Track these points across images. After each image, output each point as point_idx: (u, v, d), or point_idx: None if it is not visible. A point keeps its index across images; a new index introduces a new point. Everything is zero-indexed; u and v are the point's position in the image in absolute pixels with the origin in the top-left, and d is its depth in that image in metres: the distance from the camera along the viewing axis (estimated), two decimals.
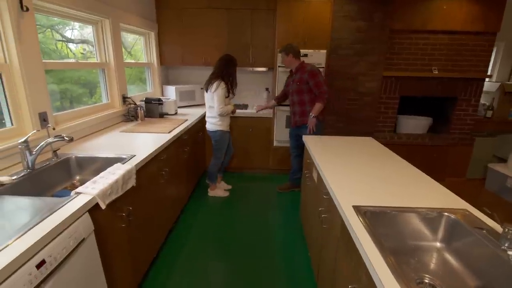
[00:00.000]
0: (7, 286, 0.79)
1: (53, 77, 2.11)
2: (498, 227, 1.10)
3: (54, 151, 1.68)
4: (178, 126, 2.63)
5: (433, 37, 3.42)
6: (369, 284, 0.92)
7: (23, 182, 1.41)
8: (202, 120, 3.25)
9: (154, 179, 1.96)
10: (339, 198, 1.29)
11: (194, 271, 2.04)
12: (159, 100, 3.01)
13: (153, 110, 2.99)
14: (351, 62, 3.40)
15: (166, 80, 4.03)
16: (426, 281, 1.08)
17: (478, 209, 1.24)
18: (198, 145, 3.24)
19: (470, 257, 1.11)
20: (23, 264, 0.86)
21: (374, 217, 1.20)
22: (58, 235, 1.01)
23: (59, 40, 2.28)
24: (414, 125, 3.74)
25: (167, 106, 3.12)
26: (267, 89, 3.91)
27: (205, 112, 3.03)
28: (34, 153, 1.48)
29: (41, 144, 1.50)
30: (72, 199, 1.18)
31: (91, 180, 1.34)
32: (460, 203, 1.29)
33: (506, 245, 0.97)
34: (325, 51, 3.19)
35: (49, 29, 2.15)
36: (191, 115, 3.19)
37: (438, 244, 1.24)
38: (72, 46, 2.41)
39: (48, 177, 1.57)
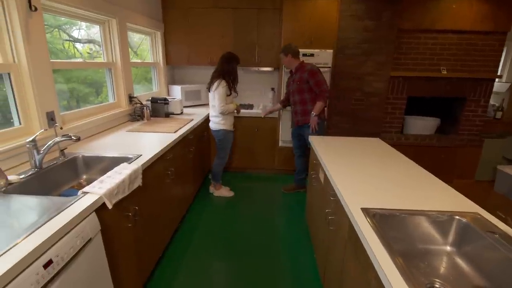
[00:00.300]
0: (14, 286, 0.79)
1: (60, 76, 2.12)
2: (511, 231, 1.07)
3: (61, 150, 1.69)
4: (184, 125, 2.63)
5: (442, 37, 3.37)
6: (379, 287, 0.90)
7: (30, 181, 1.42)
8: (207, 120, 3.24)
9: (160, 178, 1.96)
10: (347, 200, 1.27)
11: (199, 271, 2.03)
12: (165, 99, 3.01)
13: (159, 109, 2.99)
14: (358, 62, 3.36)
15: (172, 80, 4.04)
16: (437, 286, 1.06)
17: (489, 213, 1.21)
18: (203, 145, 3.24)
19: (482, 262, 1.08)
20: (30, 264, 0.86)
21: (383, 220, 1.18)
22: (65, 234, 1.01)
23: (66, 40, 2.30)
24: (422, 126, 3.69)
25: (173, 106, 3.12)
26: (272, 89, 3.90)
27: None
28: (41, 152, 1.49)
29: (48, 144, 1.51)
30: (79, 199, 1.18)
31: (98, 180, 1.34)
32: (471, 206, 1.26)
33: None
34: (331, 50, 3.16)
35: (56, 29, 2.16)
36: (197, 115, 3.19)
37: (448, 248, 1.22)
38: (79, 46, 2.43)
39: (55, 176, 1.58)
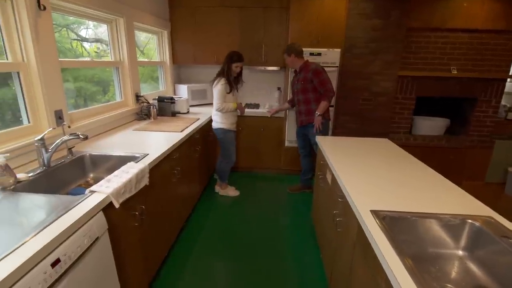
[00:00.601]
0: (22, 285, 0.79)
1: (68, 75, 2.14)
2: None
3: (69, 149, 1.70)
4: (190, 125, 2.63)
5: (453, 36, 3.31)
6: None
7: (39, 179, 1.43)
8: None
9: (167, 178, 1.96)
10: (356, 202, 1.25)
11: (204, 271, 2.03)
12: (172, 98, 3.01)
13: (165, 108, 3.00)
14: (366, 61, 3.32)
15: (178, 79, 4.05)
16: None
17: (502, 216, 1.18)
18: (209, 144, 3.24)
19: (495, 267, 1.05)
20: (38, 263, 0.86)
21: (393, 223, 1.16)
22: (73, 233, 1.01)
23: (74, 39, 2.31)
24: (431, 126, 3.63)
25: (179, 105, 3.12)
26: (279, 88, 3.87)
27: None
28: (50, 150, 1.49)
29: (56, 142, 1.51)
30: (86, 198, 1.18)
31: (105, 179, 1.35)
32: (484, 210, 1.23)
33: None
34: (339, 50, 3.13)
35: (64, 28, 2.18)
36: (203, 114, 3.18)
37: (460, 252, 1.19)
38: (86, 45, 2.44)
39: (63, 175, 1.59)
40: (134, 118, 2.78)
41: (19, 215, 1.06)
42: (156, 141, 2.07)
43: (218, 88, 2.65)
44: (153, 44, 3.51)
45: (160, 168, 1.82)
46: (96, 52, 2.53)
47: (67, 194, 1.56)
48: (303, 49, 2.81)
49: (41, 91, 1.64)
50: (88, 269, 1.10)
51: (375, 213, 1.16)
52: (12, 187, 1.26)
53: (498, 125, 3.60)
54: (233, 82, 2.73)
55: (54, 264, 0.90)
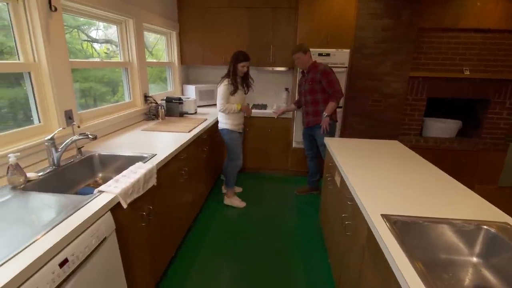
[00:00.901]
0: (30, 285, 0.79)
1: (78, 75, 2.16)
2: None
3: (79, 149, 1.72)
4: (198, 125, 2.63)
5: (465, 36, 3.24)
6: None
7: (48, 178, 1.44)
8: None
9: (174, 178, 1.96)
10: (366, 206, 1.22)
11: (211, 271, 2.02)
12: (180, 99, 3.02)
13: (173, 109, 3.01)
14: (376, 61, 3.28)
15: (186, 80, 4.06)
16: None
17: None
18: (216, 145, 3.24)
19: (511, 275, 1.01)
20: (47, 262, 0.86)
21: (404, 228, 1.13)
22: (81, 233, 1.01)
23: (85, 40, 2.34)
24: (442, 128, 3.56)
25: (187, 105, 3.13)
26: (286, 89, 3.85)
27: None
28: (59, 150, 1.51)
29: (66, 142, 1.53)
30: (95, 197, 1.18)
31: (114, 179, 1.35)
32: (499, 215, 1.19)
33: None
34: (348, 50, 3.09)
35: (75, 30, 2.20)
36: (211, 115, 3.18)
37: (474, 259, 1.15)
38: (96, 46, 2.46)
39: (72, 174, 1.60)
40: (143, 119, 2.80)
41: (28, 214, 1.06)
42: (164, 142, 2.07)
43: (220, 89, 2.62)
44: (161, 45, 3.53)
45: (168, 169, 1.82)
46: (106, 53, 2.56)
47: (76, 193, 1.57)
48: (312, 49, 2.79)
49: (51, 91, 1.66)
50: (96, 269, 1.10)
51: (386, 217, 1.13)
52: (22, 186, 1.28)
53: None
54: (240, 82, 2.67)
55: (62, 264, 0.91)
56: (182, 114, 3.07)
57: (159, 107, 2.82)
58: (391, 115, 3.43)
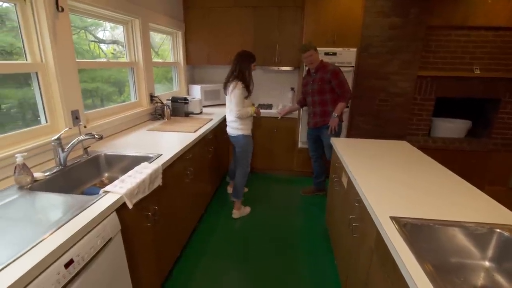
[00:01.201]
0: (36, 286, 0.79)
1: (85, 76, 2.17)
2: None
3: (85, 149, 1.72)
4: (203, 125, 2.62)
5: (475, 34, 3.17)
6: None
7: (55, 178, 1.44)
8: (226, 120, 3.23)
9: (179, 178, 1.96)
10: (374, 207, 1.19)
11: (216, 272, 2.01)
12: (185, 99, 3.02)
13: (179, 109, 3.01)
14: (383, 60, 3.23)
15: (192, 79, 4.07)
16: None
17: None
18: (222, 145, 3.23)
19: None
20: (52, 263, 0.86)
21: (414, 230, 1.10)
22: (87, 234, 1.01)
23: (92, 41, 2.35)
24: (451, 128, 3.49)
25: (193, 105, 3.13)
26: (292, 88, 3.83)
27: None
28: (66, 150, 1.51)
29: (72, 142, 1.53)
30: (100, 198, 1.18)
31: (119, 179, 1.35)
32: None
33: None
34: (355, 49, 3.05)
35: (83, 30, 2.22)
36: (216, 115, 3.18)
37: (486, 263, 1.12)
38: (103, 46, 2.48)
39: (78, 174, 1.61)
40: (148, 118, 2.81)
41: (34, 214, 1.07)
42: (169, 142, 2.07)
43: (236, 94, 2.41)
44: (167, 45, 3.54)
45: (173, 169, 1.81)
46: (112, 53, 2.57)
47: (82, 193, 1.58)
48: (319, 48, 2.76)
49: (58, 91, 1.67)
50: (101, 270, 1.10)
51: (395, 219, 1.10)
52: (29, 186, 1.28)
53: None
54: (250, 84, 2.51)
55: (67, 265, 0.90)
56: (187, 114, 3.07)
57: (165, 107, 2.82)
58: (398, 114, 3.37)
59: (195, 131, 2.38)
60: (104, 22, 2.36)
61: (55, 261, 0.87)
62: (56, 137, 1.48)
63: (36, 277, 0.80)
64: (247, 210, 2.82)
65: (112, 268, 1.17)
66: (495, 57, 3.23)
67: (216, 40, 3.57)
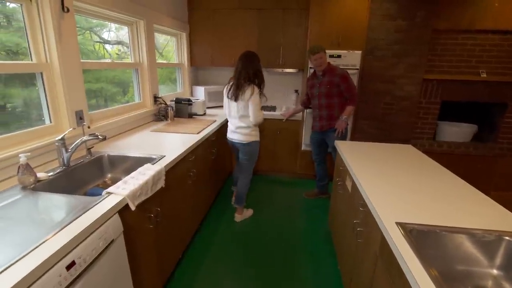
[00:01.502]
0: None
1: (90, 76, 2.18)
2: None
3: (88, 149, 1.72)
4: (207, 127, 2.61)
5: (482, 37, 3.14)
6: None
7: (58, 178, 1.44)
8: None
9: (182, 180, 1.95)
10: (379, 213, 1.17)
11: (218, 274, 1.99)
12: (189, 100, 3.02)
13: (182, 110, 3.01)
14: (388, 64, 3.21)
15: (196, 81, 4.07)
16: None
17: None
18: (225, 147, 3.22)
19: None
20: (54, 265, 0.85)
21: (420, 237, 1.08)
22: (89, 236, 1.00)
23: (97, 42, 2.36)
24: (456, 132, 3.45)
25: (196, 107, 3.13)
26: (296, 91, 3.81)
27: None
28: (69, 150, 1.51)
29: (76, 142, 1.53)
30: (103, 199, 1.18)
31: (122, 180, 1.34)
32: None
33: None
34: (360, 52, 3.03)
35: (88, 31, 2.23)
36: (219, 116, 3.17)
37: (494, 272, 1.09)
38: (108, 47, 2.48)
39: (81, 174, 1.61)
40: (152, 119, 2.81)
41: (37, 214, 1.06)
42: (172, 143, 2.06)
43: (256, 99, 2.29)
44: (171, 46, 3.55)
45: (176, 170, 1.81)
46: (117, 54, 2.57)
47: (85, 194, 1.57)
48: None
49: (63, 91, 1.67)
50: (102, 272, 1.09)
51: (401, 225, 1.08)
52: (32, 186, 1.28)
53: None
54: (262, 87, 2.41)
55: (69, 267, 0.89)
56: (191, 115, 3.07)
57: (169, 108, 2.82)
58: (404, 118, 3.35)
59: (198, 133, 2.38)
60: (109, 23, 2.37)
61: (56, 263, 0.86)
62: (60, 137, 1.48)
63: (38, 279, 0.79)
64: (249, 212, 2.80)
65: (113, 270, 1.16)
66: (502, 61, 3.19)
67: (220, 41, 3.57)
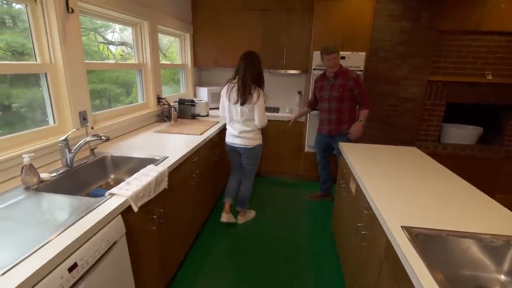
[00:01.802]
0: None
1: (94, 77, 2.18)
2: None
3: (91, 150, 1.72)
4: (210, 128, 2.61)
5: (488, 39, 3.11)
6: None
7: (61, 179, 1.44)
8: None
9: (185, 181, 1.94)
10: (385, 216, 1.16)
11: (221, 276, 1.98)
12: (192, 101, 3.02)
13: (185, 111, 3.01)
14: (393, 65, 3.19)
15: (199, 82, 4.07)
16: None
17: None
18: None
19: None
20: (56, 267, 0.84)
21: (427, 241, 1.06)
22: (91, 237, 1.00)
23: (101, 42, 2.36)
24: (461, 135, 3.42)
25: (199, 108, 3.13)
26: (299, 92, 3.80)
27: None
28: (73, 151, 1.51)
29: (79, 143, 1.53)
30: (106, 200, 1.17)
31: (125, 181, 1.34)
32: None
33: None
34: (364, 53, 3.01)
35: (92, 32, 2.23)
36: (222, 117, 3.15)
37: (502, 277, 1.07)
38: (112, 48, 2.49)
39: (84, 175, 1.60)
40: (155, 120, 2.81)
41: (40, 215, 1.06)
42: (176, 144, 2.06)
43: (262, 104, 2.25)
44: (175, 47, 3.55)
45: (179, 172, 1.80)
46: (121, 55, 2.58)
47: (88, 194, 1.57)
48: None
49: (67, 92, 1.67)
50: (104, 274, 1.08)
51: (406, 229, 1.07)
52: (35, 187, 1.28)
53: None
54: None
55: (71, 268, 0.89)
56: (194, 116, 3.07)
57: (172, 109, 2.82)
58: (408, 120, 3.32)
59: (201, 134, 2.37)
60: (113, 24, 2.37)
61: (58, 265, 0.86)
62: (63, 138, 1.48)
63: (39, 281, 0.79)
64: (252, 214, 2.78)
65: (116, 272, 1.15)
66: (508, 63, 3.16)
67: (224, 42, 3.57)
